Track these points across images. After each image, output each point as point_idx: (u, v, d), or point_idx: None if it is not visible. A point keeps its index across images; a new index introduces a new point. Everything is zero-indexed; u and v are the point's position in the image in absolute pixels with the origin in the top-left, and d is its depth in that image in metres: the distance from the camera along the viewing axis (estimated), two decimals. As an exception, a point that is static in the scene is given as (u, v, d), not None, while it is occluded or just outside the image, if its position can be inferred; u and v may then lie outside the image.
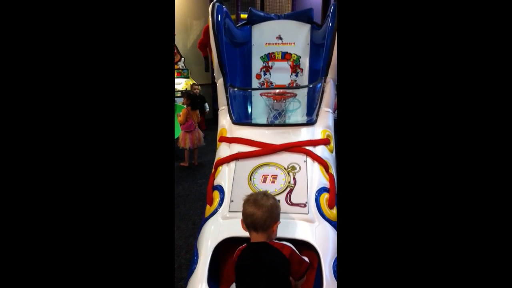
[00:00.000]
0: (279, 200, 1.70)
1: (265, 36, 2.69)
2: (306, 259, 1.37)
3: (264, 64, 2.73)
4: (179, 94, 5.35)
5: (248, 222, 1.34)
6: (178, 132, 4.14)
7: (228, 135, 2.15)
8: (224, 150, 2.06)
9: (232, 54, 2.52)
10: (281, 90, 2.43)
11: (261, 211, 1.31)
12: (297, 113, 2.46)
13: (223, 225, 1.65)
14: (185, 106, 4.18)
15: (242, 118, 2.40)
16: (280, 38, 2.68)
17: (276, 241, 1.36)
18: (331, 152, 2.07)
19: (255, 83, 2.75)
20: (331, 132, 2.15)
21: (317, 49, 2.58)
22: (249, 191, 1.77)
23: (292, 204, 1.70)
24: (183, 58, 6.26)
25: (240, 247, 1.38)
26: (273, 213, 1.34)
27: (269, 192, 1.47)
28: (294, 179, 1.80)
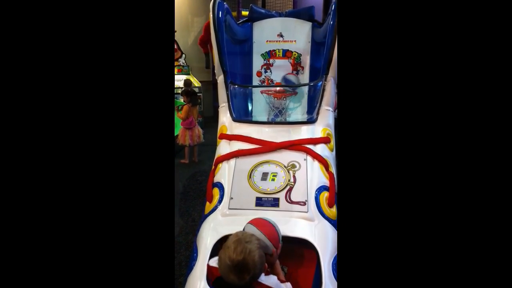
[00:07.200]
0: (278, 198, 1.71)
1: (266, 33, 2.68)
2: None
3: (265, 62, 2.72)
4: (179, 91, 5.35)
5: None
6: (177, 129, 4.13)
7: (228, 133, 2.15)
8: (224, 147, 2.06)
9: (233, 51, 2.51)
10: (282, 88, 2.42)
11: (244, 282, 1.10)
12: (297, 111, 2.46)
13: (222, 222, 1.66)
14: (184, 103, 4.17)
15: (242, 115, 2.39)
16: (281, 35, 2.67)
17: (263, 281, 1.18)
18: (331, 150, 2.07)
19: (255, 80, 2.74)
20: (331, 131, 2.15)
21: (318, 47, 2.57)
22: (249, 189, 1.77)
23: (292, 202, 1.70)
24: (184, 55, 6.25)
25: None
26: (258, 274, 1.13)
27: (250, 237, 1.19)
28: (294, 177, 1.80)
